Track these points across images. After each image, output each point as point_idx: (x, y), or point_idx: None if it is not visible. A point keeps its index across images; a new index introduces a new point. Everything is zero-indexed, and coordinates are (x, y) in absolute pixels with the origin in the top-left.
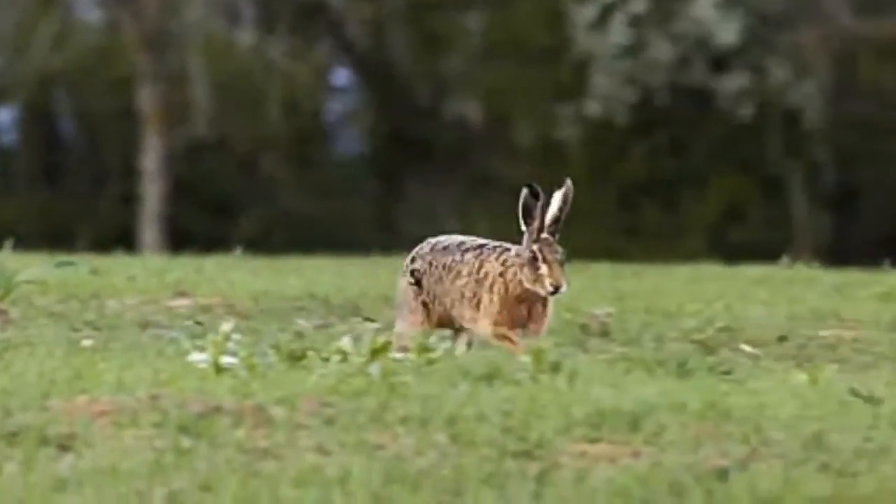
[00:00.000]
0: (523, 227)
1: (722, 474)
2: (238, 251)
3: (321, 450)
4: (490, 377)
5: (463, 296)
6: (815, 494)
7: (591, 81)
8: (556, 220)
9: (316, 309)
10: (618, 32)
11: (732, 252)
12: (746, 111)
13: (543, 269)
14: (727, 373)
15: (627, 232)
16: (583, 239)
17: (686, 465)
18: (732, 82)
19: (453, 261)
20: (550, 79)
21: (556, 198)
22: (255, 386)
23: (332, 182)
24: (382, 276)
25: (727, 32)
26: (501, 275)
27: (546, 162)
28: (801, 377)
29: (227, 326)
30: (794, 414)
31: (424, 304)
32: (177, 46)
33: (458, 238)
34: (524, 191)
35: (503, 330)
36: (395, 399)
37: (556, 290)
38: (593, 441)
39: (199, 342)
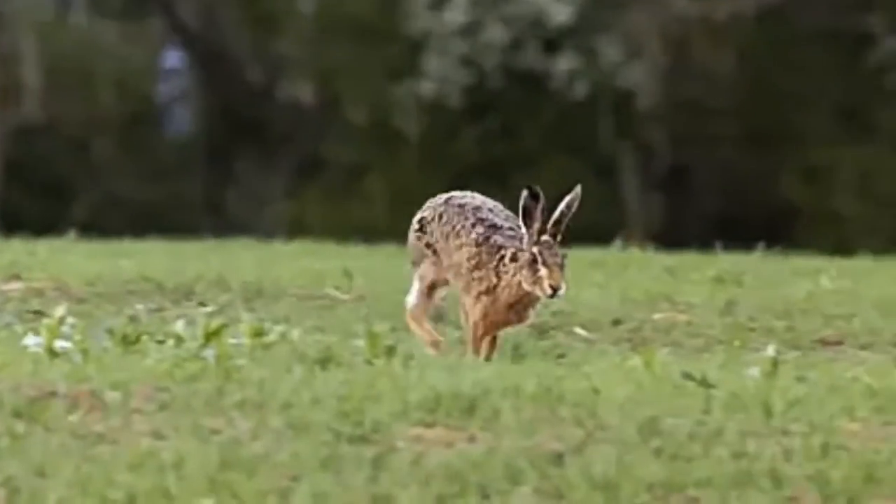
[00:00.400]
0: (523, 229)
1: (557, 458)
2: (71, 234)
3: (156, 434)
4: (325, 361)
5: (459, 272)
6: (649, 478)
7: (425, 63)
8: (557, 223)
9: (150, 293)
10: (454, 13)
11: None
12: (578, 93)
13: (543, 271)
14: (562, 356)
15: None
16: None
17: (521, 450)
18: (565, 64)
19: (462, 227)
20: (385, 60)
21: (564, 202)
22: (89, 370)
23: (163, 165)
24: (215, 260)
25: (560, 13)
26: (495, 287)
27: (380, 143)
28: (635, 361)
29: (60, 310)
30: (629, 397)
31: (428, 245)
32: (8, 28)
33: (477, 199)
34: (524, 192)
35: (480, 338)
36: (231, 383)
37: (555, 292)
38: (429, 425)
39: (32, 326)
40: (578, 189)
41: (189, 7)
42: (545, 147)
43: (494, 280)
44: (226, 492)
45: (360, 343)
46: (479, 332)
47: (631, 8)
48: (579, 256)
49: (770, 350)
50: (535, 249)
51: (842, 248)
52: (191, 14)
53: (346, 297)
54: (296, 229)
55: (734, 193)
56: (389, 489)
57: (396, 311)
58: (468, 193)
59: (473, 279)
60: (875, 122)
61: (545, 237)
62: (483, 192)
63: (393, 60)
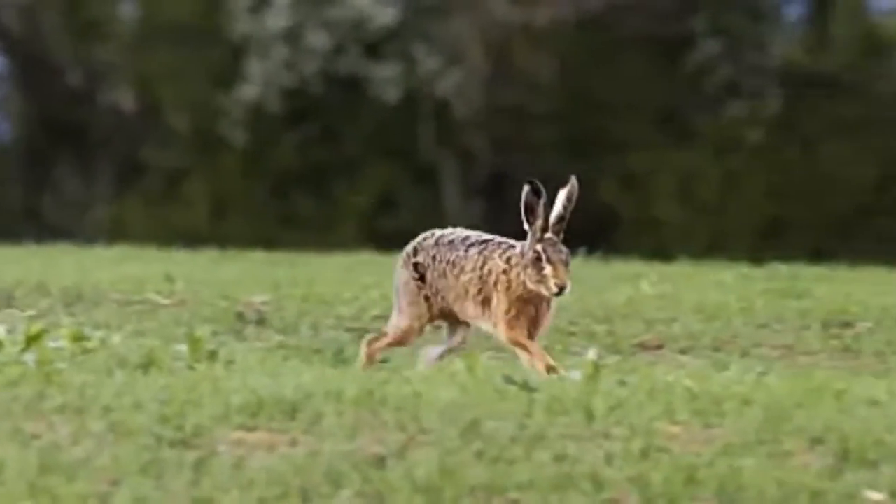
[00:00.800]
0: (526, 226)
1: (379, 462)
2: None
3: None
4: (147, 366)
5: (467, 292)
6: (471, 481)
7: (247, 67)
8: (560, 219)
9: None
10: (275, 17)
11: (385, 240)
12: (399, 99)
13: (548, 269)
14: (384, 361)
15: (282, 221)
16: (237, 228)
17: (343, 453)
18: (385, 70)
19: (457, 256)
20: (207, 65)
21: (561, 196)
22: None
23: None
24: (35, 265)
25: (381, 18)
26: (505, 272)
27: (202, 148)
28: (458, 364)
29: None
30: (451, 401)
31: (426, 298)
32: None
33: (462, 232)
34: (526, 188)
35: (519, 337)
36: (51, 388)
37: (561, 290)
38: (251, 429)
39: None
40: (574, 180)
41: (10, 13)
42: (366, 153)
43: (504, 266)
44: (45, 496)
45: (182, 347)
46: (514, 332)
47: (452, 14)
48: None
49: (591, 354)
50: (538, 247)
51: (661, 253)
52: (12, 19)
53: (167, 301)
54: (116, 234)
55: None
56: (211, 493)
57: (217, 315)
58: (452, 229)
59: (483, 282)
60: (694, 127)
61: (548, 234)
62: (303, 197)
63: (215, 66)
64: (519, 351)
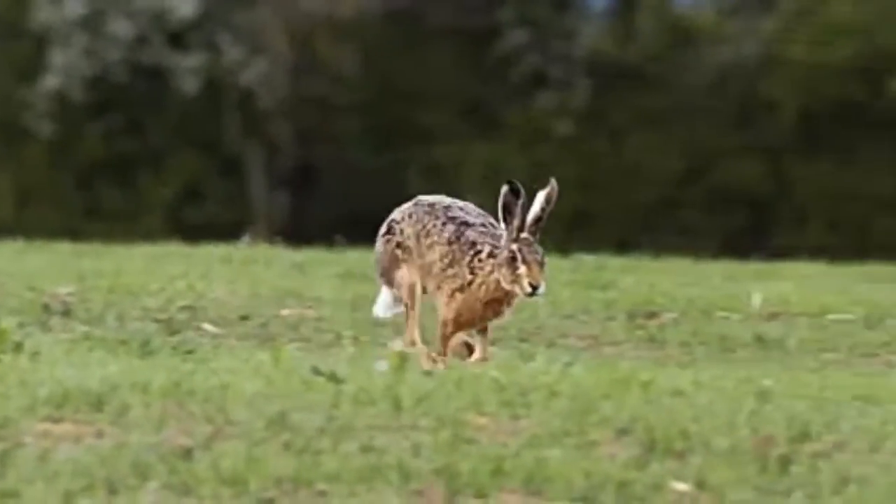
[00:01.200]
0: (503, 226)
1: (186, 453)
2: None
3: None
4: None
5: (430, 272)
6: (278, 472)
7: (49, 57)
8: (537, 220)
9: None
10: (74, 4)
11: (190, 231)
12: (203, 90)
13: (522, 269)
14: (190, 352)
15: (87, 212)
16: (43, 219)
17: (150, 445)
18: (189, 60)
19: (433, 226)
20: (10, 57)
21: (540, 197)
22: None
23: None
24: None
25: (183, 7)
26: (470, 284)
27: (7, 141)
28: (264, 356)
29: None
30: (258, 393)
31: (404, 248)
32: None
33: (445, 200)
34: (504, 188)
35: (448, 337)
36: None
37: (535, 290)
38: (57, 421)
39: None
40: (554, 182)
41: None
42: (171, 143)
43: (469, 277)
44: None
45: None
46: (449, 330)
47: (256, 4)
48: (206, 252)
49: (398, 344)
50: (514, 247)
51: None
52: None
53: None
54: None
55: (361, 190)
56: (15, 485)
57: (23, 306)
58: (437, 196)
59: (447, 277)
60: (500, 118)
61: (524, 235)
62: (109, 188)
63: (18, 57)
64: (440, 346)
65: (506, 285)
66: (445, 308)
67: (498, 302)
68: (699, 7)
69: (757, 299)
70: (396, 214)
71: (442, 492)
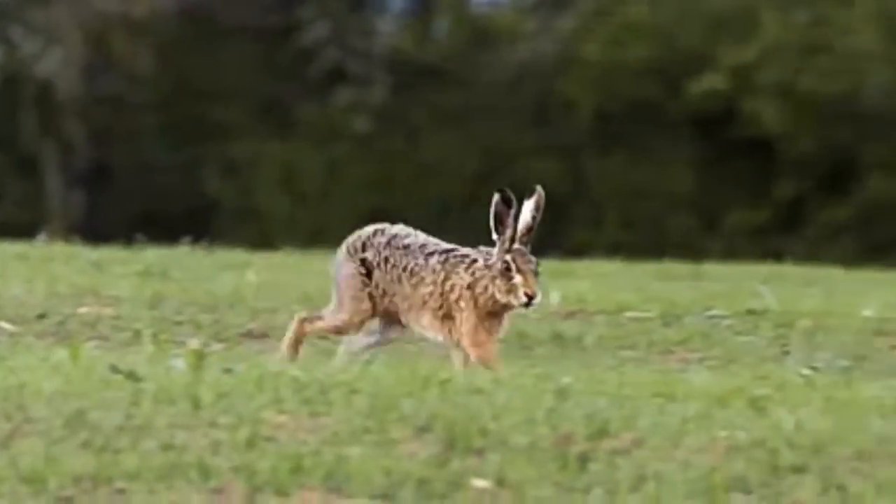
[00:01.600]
0: (495, 236)
1: None
2: None
3: None
4: None
5: (425, 303)
6: (77, 471)
7: None
8: (529, 229)
9: None
10: None
11: None
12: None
13: (517, 279)
14: None
15: None
16: None
17: None
18: None
19: (416, 265)
20: None
21: (528, 206)
22: None
23: None
24: None
25: None
26: (469, 287)
27: None
28: (62, 354)
29: None
30: (56, 391)
31: (371, 296)
32: None
33: (418, 237)
34: (496, 197)
35: (487, 354)
36: None
37: (531, 300)
38: None
39: None
40: (540, 189)
41: None
42: None
43: (468, 279)
44: None
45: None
46: (485, 352)
47: (50, 1)
48: (2, 250)
49: (194, 342)
50: (507, 257)
51: (265, 242)
52: None
53: None
54: None
55: (156, 188)
56: None
57: None
58: (405, 229)
59: (443, 294)
60: (296, 116)
61: (517, 245)
62: None
63: None
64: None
65: (500, 297)
66: (466, 329)
67: (494, 316)
68: (498, 6)
69: (555, 297)
70: (369, 254)
71: (241, 489)
